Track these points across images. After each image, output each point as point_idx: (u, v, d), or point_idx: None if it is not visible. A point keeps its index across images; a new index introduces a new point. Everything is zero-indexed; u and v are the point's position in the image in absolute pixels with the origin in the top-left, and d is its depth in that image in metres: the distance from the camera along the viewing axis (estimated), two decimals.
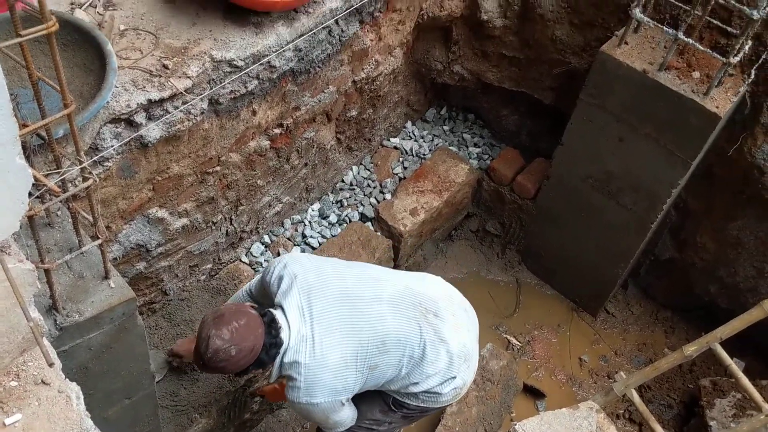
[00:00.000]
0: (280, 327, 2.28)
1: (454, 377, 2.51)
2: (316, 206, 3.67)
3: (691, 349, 3.21)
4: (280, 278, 2.40)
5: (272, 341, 2.25)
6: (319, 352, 2.28)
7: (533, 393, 3.78)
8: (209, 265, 3.19)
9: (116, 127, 2.19)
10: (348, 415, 2.51)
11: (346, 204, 3.73)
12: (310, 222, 3.59)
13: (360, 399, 2.58)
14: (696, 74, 3.09)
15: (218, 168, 2.79)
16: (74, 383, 1.66)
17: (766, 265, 3.54)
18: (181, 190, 2.68)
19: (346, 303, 2.36)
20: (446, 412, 3.36)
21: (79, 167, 1.55)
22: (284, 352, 2.28)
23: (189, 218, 2.83)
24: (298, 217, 3.59)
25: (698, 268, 3.84)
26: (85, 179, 1.61)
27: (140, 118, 2.23)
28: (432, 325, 2.46)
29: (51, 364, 1.25)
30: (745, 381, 3.10)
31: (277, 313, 2.31)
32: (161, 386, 2.89)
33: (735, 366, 3.14)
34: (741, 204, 3.48)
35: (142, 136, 2.26)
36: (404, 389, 2.51)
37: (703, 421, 3.42)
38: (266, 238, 3.47)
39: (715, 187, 3.55)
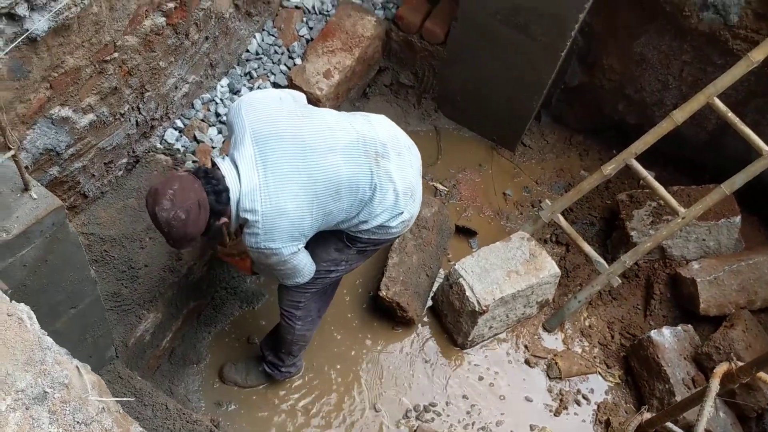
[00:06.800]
0: (222, 176, 2.33)
1: (401, 212, 2.64)
2: (225, 82, 3.49)
3: (610, 168, 3.38)
4: (233, 125, 2.44)
5: (215, 188, 2.31)
6: (275, 200, 2.35)
7: (465, 232, 3.91)
8: (124, 160, 3.04)
9: None
10: (305, 263, 2.61)
11: (255, 75, 3.56)
12: (221, 99, 3.42)
13: (315, 243, 2.66)
14: None
15: (116, 54, 2.58)
16: (22, 304, 1.59)
17: (670, 78, 3.68)
18: (80, 84, 2.48)
19: (300, 155, 2.40)
20: (388, 264, 3.45)
21: None
22: (239, 200, 2.35)
23: (95, 113, 2.64)
24: (207, 96, 3.42)
25: (606, 90, 3.96)
26: None
27: (22, 9, 1.98)
28: (381, 167, 2.54)
29: (6, 291, 1.18)
30: (661, 189, 3.32)
31: (222, 163, 2.38)
32: (101, 289, 2.81)
33: (650, 177, 3.35)
34: (643, 20, 3.55)
35: (27, 30, 2.03)
36: (354, 227, 2.62)
37: (624, 232, 3.66)
38: (178, 123, 3.30)
39: (618, 7, 3.59)
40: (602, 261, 3.40)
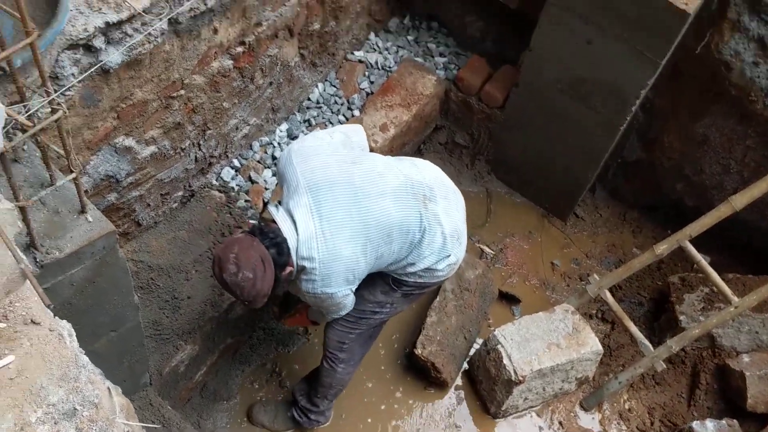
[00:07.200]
0: (278, 227, 2.39)
1: (449, 255, 2.66)
2: (284, 127, 3.58)
3: (662, 248, 3.30)
4: (285, 174, 2.50)
5: (273, 241, 2.37)
6: (332, 247, 2.40)
7: (508, 299, 3.86)
8: (180, 193, 3.13)
9: (75, 54, 2.07)
10: (351, 299, 2.65)
11: (314, 123, 3.65)
12: (279, 143, 3.51)
13: (362, 285, 2.68)
14: None
15: (182, 92, 2.69)
16: (65, 321, 1.63)
17: (731, 162, 3.61)
18: (146, 117, 2.59)
19: (353, 201, 2.46)
20: (426, 322, 3.42)
21: (47, 99, 1.46)
22: (297, 248, 2.40)
23: (157, 145, 2.75)
24: (266, 139, 3.51)
25: (665, 168, 3.90)
26: (53, 111, 1.52)
27: (99, 42, 2.10)
28: (429, 210, 2.58)
29: (49, 306, 1.21)
30: (715, 276, 3.21)
31: (277, 213, 2.43)
32: (143, 316, 2.86)
33: (704, 262, 3.25)
34: (707, 102, 3.51)
35: (102, 61, 2.14)
36: (402, 269, 2.65)
37: (673, 316, 3.54)
38: (236, 162, 3.40)
39: (682, 86, 3.56)
40: (648, 343, 3.29)
